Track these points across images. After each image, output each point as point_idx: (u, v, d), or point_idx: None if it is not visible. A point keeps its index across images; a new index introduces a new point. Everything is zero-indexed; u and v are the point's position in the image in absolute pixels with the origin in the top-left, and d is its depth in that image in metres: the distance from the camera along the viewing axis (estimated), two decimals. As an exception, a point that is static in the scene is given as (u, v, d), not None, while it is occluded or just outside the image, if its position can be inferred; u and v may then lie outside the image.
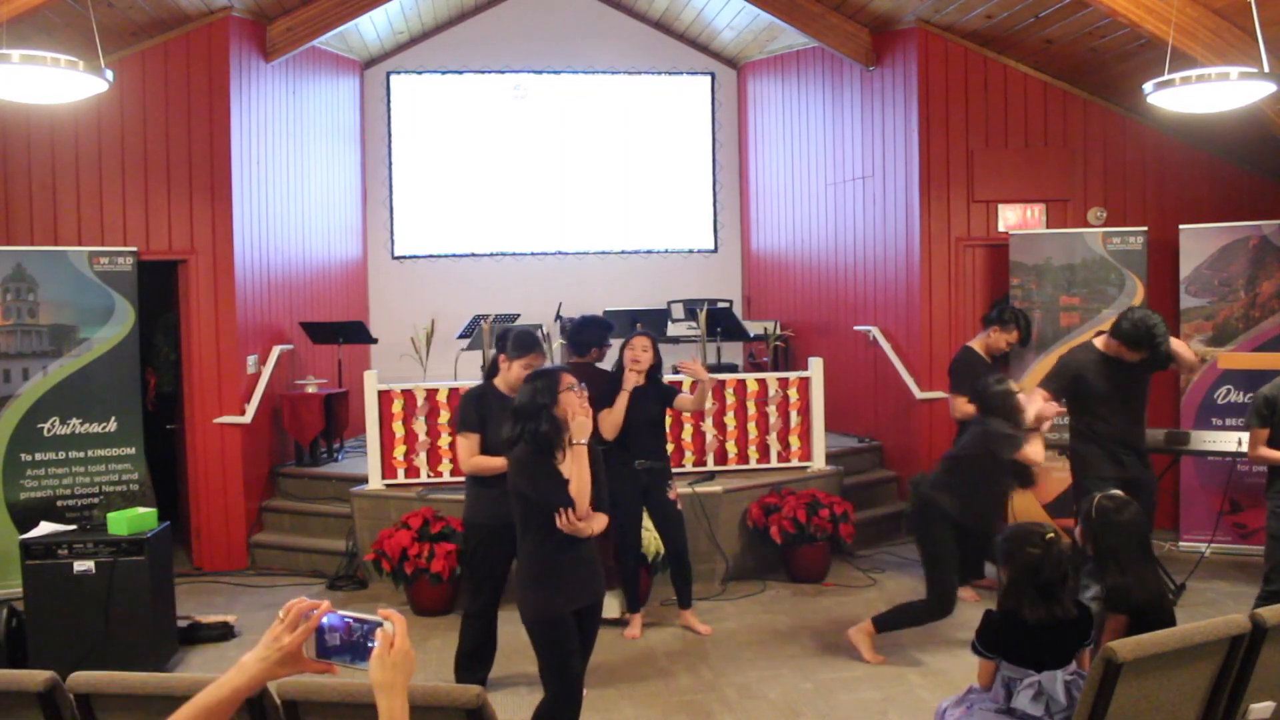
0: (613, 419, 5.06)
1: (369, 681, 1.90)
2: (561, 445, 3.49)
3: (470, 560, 4.61)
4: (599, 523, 3.57)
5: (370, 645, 1.89)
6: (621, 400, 5.07)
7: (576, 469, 3.45)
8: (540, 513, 3.43)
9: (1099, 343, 5.15)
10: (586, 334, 5.43)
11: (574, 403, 3.48)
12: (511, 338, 4.55)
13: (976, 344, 5.93)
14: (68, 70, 4.38)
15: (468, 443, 4.47)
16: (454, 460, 6.19)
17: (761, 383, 6.71)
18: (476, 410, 4.47)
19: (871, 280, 7.89)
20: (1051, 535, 3.06)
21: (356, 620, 1.92)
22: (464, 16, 9.10)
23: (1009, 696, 3.03)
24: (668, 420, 6.30)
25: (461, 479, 4.82)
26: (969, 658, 4.82)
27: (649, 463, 5.19)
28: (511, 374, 4.42)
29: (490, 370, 4.69)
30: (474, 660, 4.54)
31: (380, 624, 1.88)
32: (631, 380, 5.08)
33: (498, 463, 4.07)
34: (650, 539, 5.53)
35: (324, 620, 1.94)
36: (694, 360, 5.40)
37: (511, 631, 4.57)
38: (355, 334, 7.64)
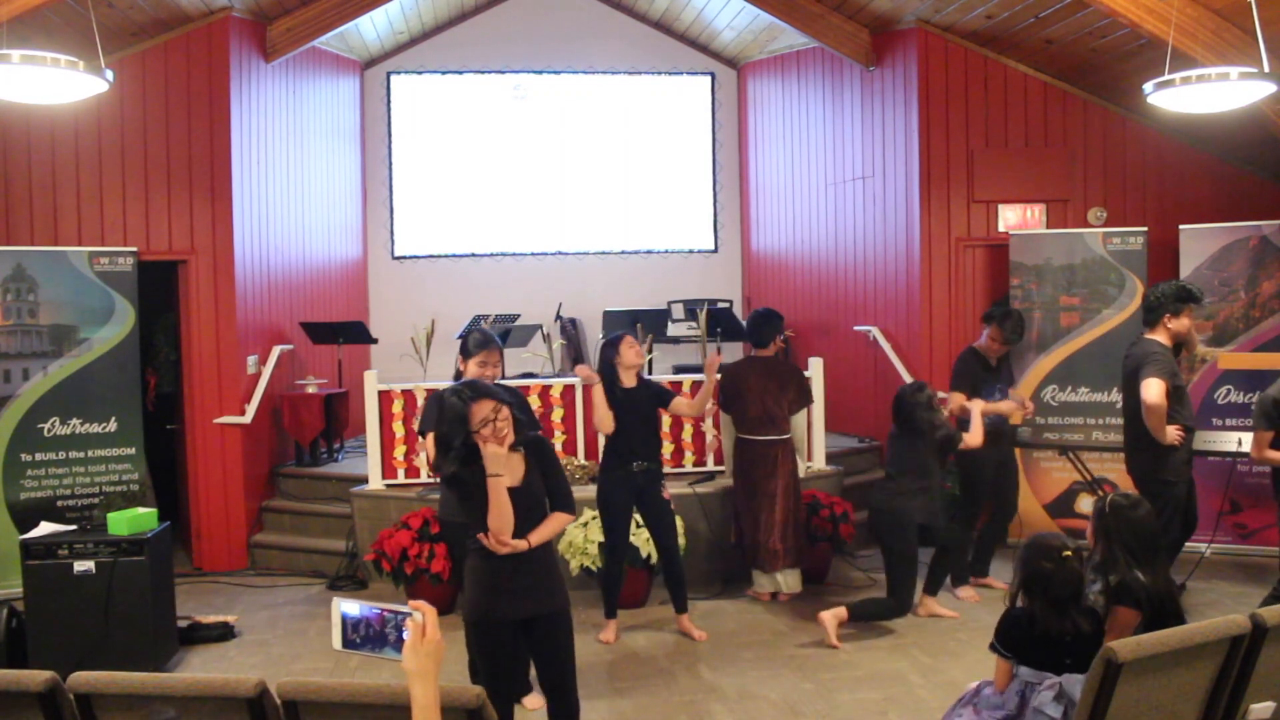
0: (601, 414, 5.13)
1: (402, 670, 1.96)
2: (474, 478, 3.33)
3: (456, 560, 4.59)
4: (551, 529, 3.47)
5: (403, 635, 1.95)
6: (599, 396, 5.13)
7: (492, 502, 3.29)
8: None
9: (1163, 337, 5.11)
10: (767, 328, 5.80)
11: (485, 435, 3.28)
12: (469, 337, 4.57)
13: (980, 344, 5.94)
14: (68, 70, 4.38)
15: (432, 443, 4.46)
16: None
17: (761, 383, 6.69)
18: (439, 410, 4.48)
19: (871, 280, 7.89)
20: (1068, 553, 3.08)
21: (389, 611, 1.99)
22: (464, 16, 9.10)
23: (1022, 704, 3.02)
24: (666, 421, 6.33)
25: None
26: (968, 657, 4.86)
27: (646, 464, 5.20)
28: (468, 374, 4.45)
29: (457, 374, 4.71)
30: None
31: (411, 614, 1.94)
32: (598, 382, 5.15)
33: None
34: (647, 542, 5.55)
35: (356, 612, 2.01)
36: (717, 357, 5.46)
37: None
38: (355, 334, 7.64)
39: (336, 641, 2.01)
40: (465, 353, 4.56)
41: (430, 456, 4.49)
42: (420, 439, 4.68)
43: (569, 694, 3.53)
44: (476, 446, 3.30)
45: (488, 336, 4.60)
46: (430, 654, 1.94)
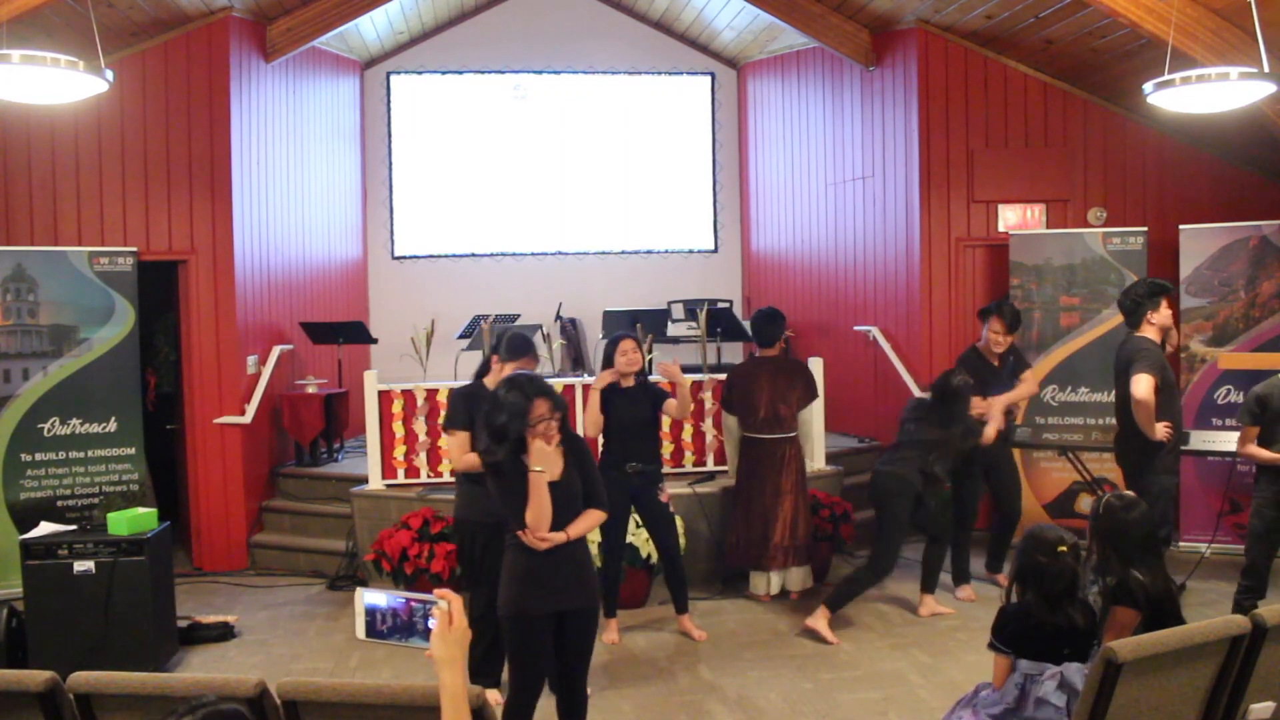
0: (590, 418, 5.15)
1: (429, 657, 2.00)
2: (518, 469, 3.40)
3: (466, 559, 4.60)
4: (587, 524, 3.52)
5: (429, 624, 2.02)
6: (593, 399, 5.14)
7: (532, 497, 3.37)
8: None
9: (1151, 333, 5.13)
10: (772, 328, 5.84)
11: (538, 431, 3.38)
12: (505, 341, 4.57)
13: (981, 344, 5.95)
14: (68, 70, 4.38)
15: (458, 440, 4.48)
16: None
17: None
18: (465, 408, 4.48)
19: (871, 280, 7.90)
20: (1064, 549, 3.09)
21: (415, 601, 2.05)
22: (464, 16, 9.10)
23: (1021, 698, 3.02)
24: (666, 422, 6.33)
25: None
26: (968, 657, 4.87)
27: (641, 465, 5.20)
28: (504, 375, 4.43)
29: (481, 369, 4.71)
30: (486, 665, 4.51)
31: (437, 603, 2.04)
32: (603, 379, 5.15)
33: None
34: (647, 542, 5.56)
35: (383, 603, 2.07)
36: (674, 362, 5.44)
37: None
38: (355, 334, 7.65)
39: (360, 631, 2.09)
40: (500, 353, 4.54)
41: (454, 453, 4.50)
42: (445, 434, 4.68)
43: (582, 689, 3.59)
44: (524, 440, 3.37)
45: (529, 343, 4.59)
46: (458, 641, 2.01)
